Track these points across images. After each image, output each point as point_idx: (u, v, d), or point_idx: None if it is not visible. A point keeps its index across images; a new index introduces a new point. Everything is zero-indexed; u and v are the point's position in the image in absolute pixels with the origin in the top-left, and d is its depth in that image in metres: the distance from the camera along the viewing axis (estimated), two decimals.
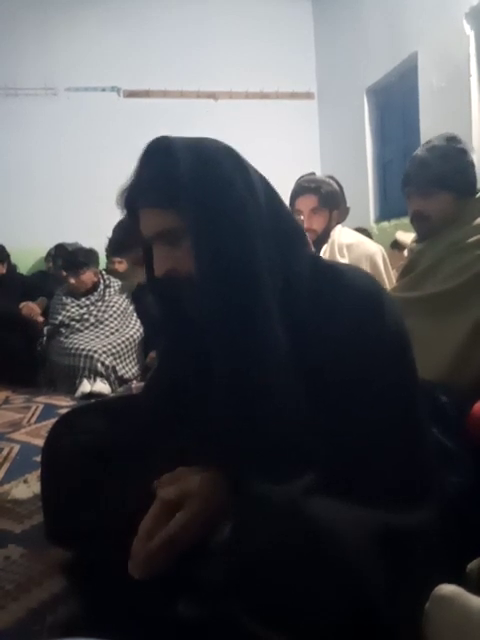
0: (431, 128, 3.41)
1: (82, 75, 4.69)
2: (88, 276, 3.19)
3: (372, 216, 4.59)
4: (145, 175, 0.77)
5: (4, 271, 3.62)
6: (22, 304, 3.29)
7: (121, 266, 3.60)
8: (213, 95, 4.94)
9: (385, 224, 4.26)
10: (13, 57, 4.57)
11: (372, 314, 0.74)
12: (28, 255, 4.21)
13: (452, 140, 1.41)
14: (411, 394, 0.75)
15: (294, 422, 0.71)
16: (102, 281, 3.28)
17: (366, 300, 0.75)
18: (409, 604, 0.58)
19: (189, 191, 0.71)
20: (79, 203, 4.50)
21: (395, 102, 4.35)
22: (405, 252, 2.73)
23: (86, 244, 3.47)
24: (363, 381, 0.72)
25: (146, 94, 4.85)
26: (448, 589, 0.58)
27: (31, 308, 3.29)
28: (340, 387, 0.71)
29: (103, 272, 3.41)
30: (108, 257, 3.71)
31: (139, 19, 4.79)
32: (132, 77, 4.77)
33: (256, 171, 0.79)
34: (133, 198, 0.80)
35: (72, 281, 3.16)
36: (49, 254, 4.22)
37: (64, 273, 3.28)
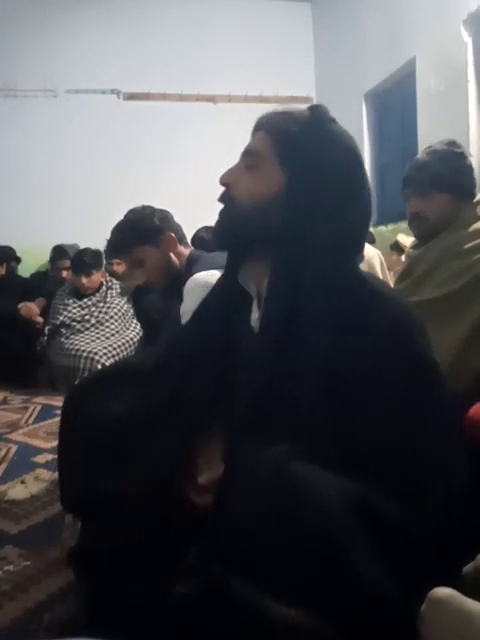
0: (429, 133, 3.43)
1: (82, 77, 4.70)
2: (98, 277, 3.24)
3: None
4: (280, 112, 0.87)
5: (3, 272, 3.63)
6: (21, 304, 3.29)
7: (120, 268, 3.61)
8: (212, 98, 4.95)
9: (382, 228, 4.27)
10: (13, 58, 4.57)
11: (401, 338, 0.74)
12: (28, 255, 4.20)
13: (452, 144, 1.46)
14: (430, 418, 0.73)
15: (312, 407, 0.72)
16: (105, 283, 3.30)
17: (399, 324, 0.76)
18: (405, 599, 0.59)
19: (299, 147, 0.80)
20: (79, 204, 4.50)
21: (393, 107, 4.37)
22: (403, 257, 2.74)
23: (85, 245, 3.47)
24: (378, 395, 0.71)
25: (146, 97, 4.86)
26: (443, 592, 0.58)
27: (30, 308, 3.29)
28: (355, 396, 0.71)
29: (107, 274, 3.43)
30: (107, 258, 3.72)
31: (139, 22, 4.81)
32: (132, 79, 4.79)
33: (363, 167, 0.85)
34: (261, 120, 0.88)
35: (84, 281, 3.17)
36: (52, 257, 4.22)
37: (73, 273, 3.27)
